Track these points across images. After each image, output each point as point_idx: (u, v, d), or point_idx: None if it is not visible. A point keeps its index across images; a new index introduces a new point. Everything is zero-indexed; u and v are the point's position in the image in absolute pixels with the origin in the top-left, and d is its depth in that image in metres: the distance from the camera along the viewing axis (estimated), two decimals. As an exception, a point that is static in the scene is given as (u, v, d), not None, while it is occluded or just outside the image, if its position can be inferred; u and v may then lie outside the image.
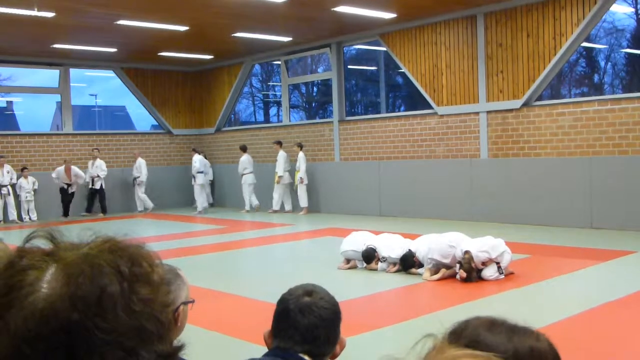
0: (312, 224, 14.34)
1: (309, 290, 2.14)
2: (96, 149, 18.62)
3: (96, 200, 18.48)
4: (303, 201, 16.83)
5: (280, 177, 17.10)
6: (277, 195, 17.37)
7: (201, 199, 18.42)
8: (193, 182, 18.56)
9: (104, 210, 18.38)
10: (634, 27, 14.71)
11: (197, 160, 18.45)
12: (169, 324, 0.92)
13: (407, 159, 15.11)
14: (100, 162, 18.36)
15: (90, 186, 18.27)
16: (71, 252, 0.90)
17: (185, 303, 2.35)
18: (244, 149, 18.17)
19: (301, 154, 16.78)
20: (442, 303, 6.97)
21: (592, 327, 5.88)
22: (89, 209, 18.47)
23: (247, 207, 17.96)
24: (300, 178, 16.73)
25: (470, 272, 7.72)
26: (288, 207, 17.32)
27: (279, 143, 17.34)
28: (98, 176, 18.23)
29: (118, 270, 0.88)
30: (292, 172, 17.13)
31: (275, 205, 17.39)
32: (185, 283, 2.37)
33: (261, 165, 18.24)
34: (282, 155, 17.12)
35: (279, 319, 2.11)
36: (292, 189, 17.24)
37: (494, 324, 1.38)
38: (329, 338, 2.09)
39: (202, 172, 18.46)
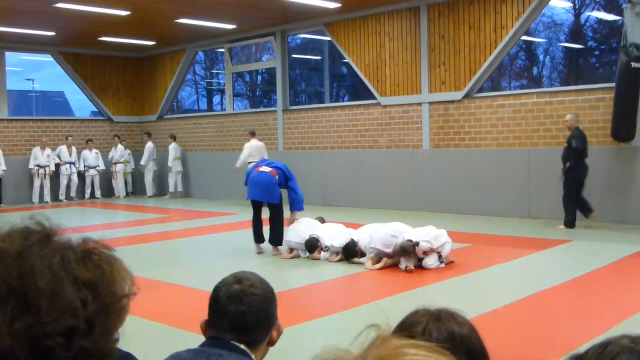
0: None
1: (239, 278, 2.12)
2: None
3: None
4: (179, 186, 18.68)
5: (142, 166, 19.09)
6: (147, 181, 19.26)
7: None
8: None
9: None
10: (572, 22, 15.08)
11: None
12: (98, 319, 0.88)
13: (350, 149, 15.17)
14: None
15: None
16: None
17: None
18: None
19: (175, 144, 18.45)
20: (384, 292, 7.03)
21: (529, 314, 6.02)
22: None
23: None
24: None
25: (407, 249, 7.77)
26: (150, 192, 19.17)
27: (148, 134, 19.32)
28: None
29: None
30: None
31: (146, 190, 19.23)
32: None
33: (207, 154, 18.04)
34: (149, 146, 19.03)
35: (211, 308, 2.11)
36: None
37: (428, 313, 1.42)
38: (259, 325, 2.07)
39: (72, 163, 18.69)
